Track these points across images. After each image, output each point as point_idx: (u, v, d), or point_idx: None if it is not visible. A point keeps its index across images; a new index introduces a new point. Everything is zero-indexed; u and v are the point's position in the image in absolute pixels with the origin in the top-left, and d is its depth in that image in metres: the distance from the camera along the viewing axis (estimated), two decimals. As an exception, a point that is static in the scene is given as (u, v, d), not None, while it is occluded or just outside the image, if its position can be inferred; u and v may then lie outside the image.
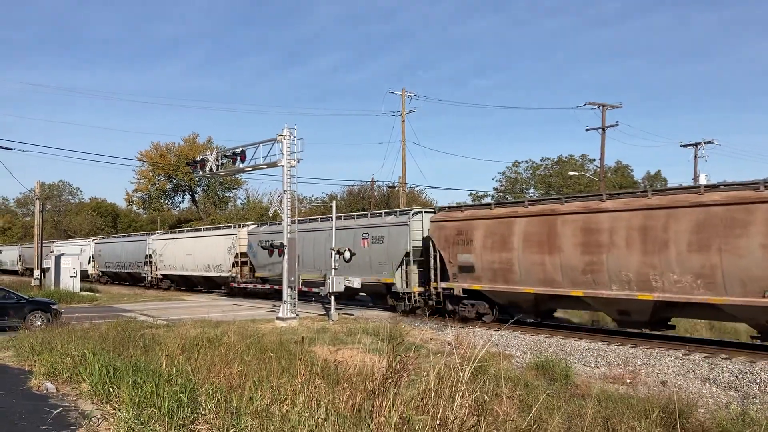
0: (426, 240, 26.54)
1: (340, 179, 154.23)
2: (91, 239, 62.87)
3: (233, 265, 39.46)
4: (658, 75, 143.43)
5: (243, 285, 38.85)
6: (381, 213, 30.98)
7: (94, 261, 59.56)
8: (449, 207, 28.00)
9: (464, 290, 24.02)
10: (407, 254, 26.74)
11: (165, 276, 47.59)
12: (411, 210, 28.46)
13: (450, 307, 24.63)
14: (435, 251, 25.23)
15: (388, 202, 58.47)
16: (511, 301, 23.15)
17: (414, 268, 26.56)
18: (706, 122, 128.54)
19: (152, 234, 52.44)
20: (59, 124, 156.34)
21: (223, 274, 40.41)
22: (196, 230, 48.58)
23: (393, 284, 27.36)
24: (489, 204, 24.60)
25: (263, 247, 27.80)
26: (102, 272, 58.55)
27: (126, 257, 53.41)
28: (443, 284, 24.72)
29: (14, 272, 74.09)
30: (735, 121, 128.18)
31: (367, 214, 31.94)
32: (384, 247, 28.22)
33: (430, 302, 25.67)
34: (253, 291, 38.66)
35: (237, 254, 39.09)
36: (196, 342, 14.55)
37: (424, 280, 26.31)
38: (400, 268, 27.07)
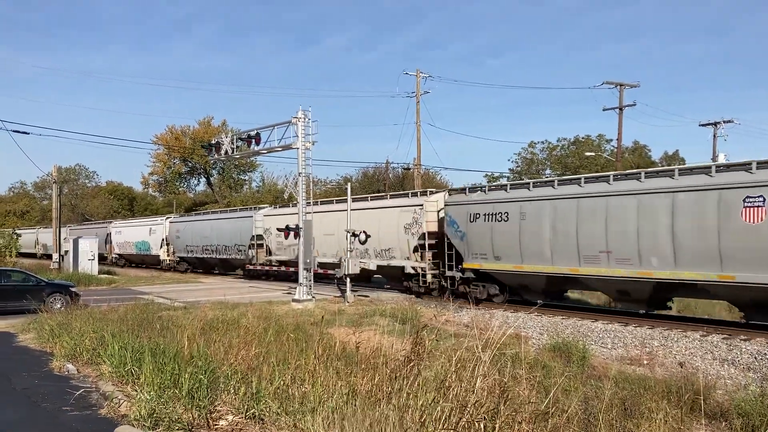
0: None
1: (354, 161, 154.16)
2: (164, 218, 54.16)
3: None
4: (676, 53, 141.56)
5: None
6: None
7: (168, 244, 51.28)
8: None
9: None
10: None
11: (281, 262, 36.80)
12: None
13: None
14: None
15: (402, 183, 58.40)
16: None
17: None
18: (724, 100, 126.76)
19: (260, 208, 41.67)
20: (74, 107, 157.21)
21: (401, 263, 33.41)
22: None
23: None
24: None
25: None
26: (181, 258, 49.35)
27: (219, 239, 43.22)
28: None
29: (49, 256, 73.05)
30: (754, 99, 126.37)
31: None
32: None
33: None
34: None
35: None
36: (214, 324, 14.68)
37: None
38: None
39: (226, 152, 27.80)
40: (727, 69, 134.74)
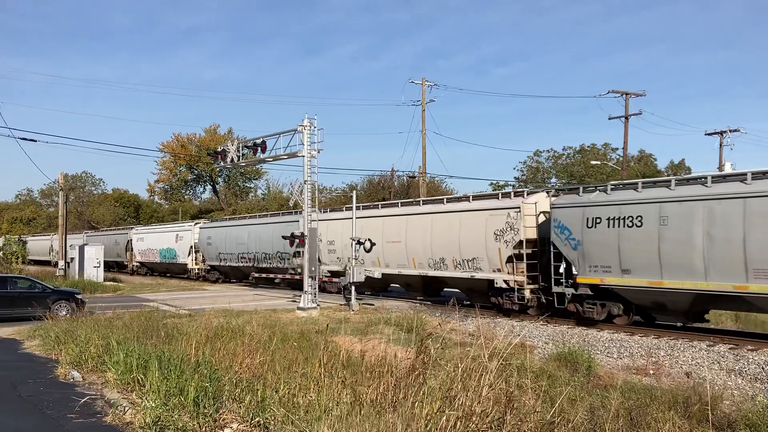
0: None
1: (360, 169, 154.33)
2: (192, 223, 50.31)
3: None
4: (682, 62, 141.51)
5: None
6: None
7: (197, 252, 47.35)
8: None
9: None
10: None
11: (333, 273, 33.00)
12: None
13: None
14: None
15: (408, 191, 58.40)
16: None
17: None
18: (730, 110, 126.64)
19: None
20: (81, 115, 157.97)
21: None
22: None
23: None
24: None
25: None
26: (212, 267, 45.66)
27: (259, 246, 39.10)
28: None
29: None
30: (760, 108, 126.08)
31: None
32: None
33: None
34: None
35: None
36: (219, 332, 14.67)
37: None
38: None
39: (232, 160, 27.85)
40: (734, 79, 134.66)
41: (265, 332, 13.99)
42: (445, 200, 27.89)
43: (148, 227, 60.01)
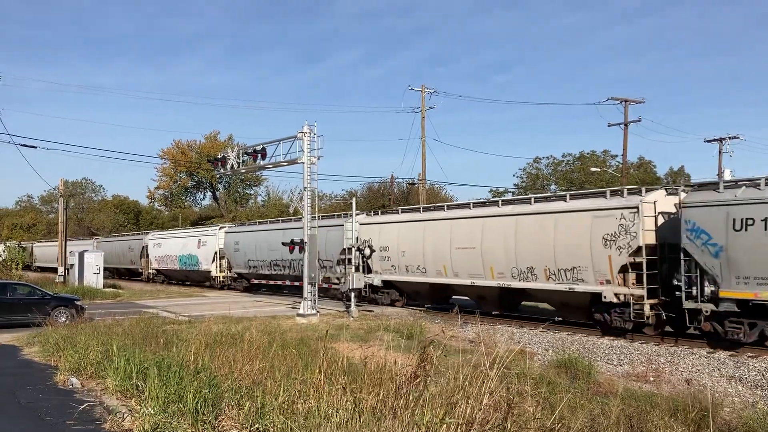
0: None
1: (359, 176, 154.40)
2: (216, 227, 46.64)
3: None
4: (681, 70, 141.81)
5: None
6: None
7: (221, 258, 43.76)
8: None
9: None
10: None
11: (388, 283, 29.30)
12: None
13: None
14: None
15: (407, 198, 58.46)
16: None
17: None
18: (729, 117, 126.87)
19: (358, 214, 31.54)
20: (82, 122, 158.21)
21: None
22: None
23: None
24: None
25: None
26: (239, 275, 42.19)
27: (296, 252, 32.19)
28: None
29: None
30: (760, 115, 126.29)
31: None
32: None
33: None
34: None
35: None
36: (218, 338, 14.65)
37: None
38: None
39: (232, 167, 27.88)
40: (733, 86, 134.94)
41: (264, 339, 13.97)
42: (532, 199, 23.68)
43: (167, 232, 56.07)
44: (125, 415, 9.09)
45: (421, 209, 28.43)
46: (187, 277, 49.33)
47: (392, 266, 28.25)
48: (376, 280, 28.89)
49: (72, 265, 44.08)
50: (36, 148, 36.05)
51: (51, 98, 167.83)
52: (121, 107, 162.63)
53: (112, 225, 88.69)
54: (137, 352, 12.20)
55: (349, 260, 28.21)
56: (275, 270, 36.99)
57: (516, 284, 22.93)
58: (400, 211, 29.66)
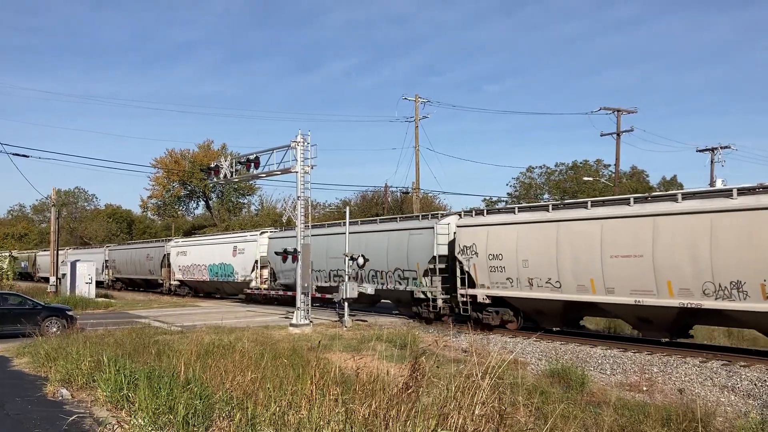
0: None
1: (353, 185, 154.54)
2: (256, 232, 41.00)
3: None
4: (673, 80, 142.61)
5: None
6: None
7: (263, 268, 38.36)
8: None
9: None
10: None
11: (498, 300, 23.30)
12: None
13: None
14: None
15: (401, 207, 58.47)
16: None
17: None
18: (721, 126, 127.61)
19: (445, 214, 27.70)
20: (75, 131, 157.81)
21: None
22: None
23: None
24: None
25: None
26: (286, 287, 34.46)
27: (369, 262, 27.34)
28: None
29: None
30: (751, 125, 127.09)
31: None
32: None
33: None
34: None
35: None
36: (210, 348, 14.57)
37: None
38: None
39: (225, 176, 27.84)
40: (724, 96, 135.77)
41: (256, 349, 13.90)
42: (735, 192, 17.09)
43: (194, 239, 50.37)
44: (115, 426, 9.00)
45: (550, 207, 21.86)
46: (219, 289, 43.82)
47: (507, 279, 22.27)
48: (481, 296, 23.19)
49: (64, 275, 43.84)
50: (28, 157, 35.92)
51: (43, 107, 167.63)
52: (114, 116, 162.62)
53: (104, 234, 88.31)
54: (128, 362, 12.13)
55: (440, 270, 24.90)
56: (337, 281, 30.09)
57: (710, 304, 17.25)
58: (517, 209, 23.50)
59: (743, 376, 15.57)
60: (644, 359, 17.85)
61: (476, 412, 6.17)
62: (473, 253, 23.36)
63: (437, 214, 27.36)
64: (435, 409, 6.88)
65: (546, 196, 71.81)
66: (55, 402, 11.54)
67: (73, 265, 42.94)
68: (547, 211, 21.75)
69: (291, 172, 25.54)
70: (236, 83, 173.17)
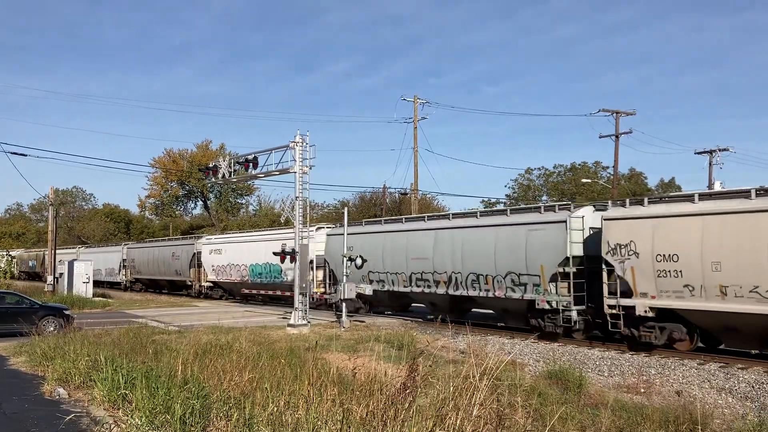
0: None
1: (351, 185, 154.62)
2: (312, 227, 32.40)
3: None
4: (672, 82, 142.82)
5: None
6: None
7: (317, 268, 32.54)
8: None
9: None
10: None
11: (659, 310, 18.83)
12: None
13: None
14: None
15: (399, 208, 58.46)
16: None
17: None
18: (719, 129, 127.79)
19: (579, 206, 22.65)
20: (73, 130, 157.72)
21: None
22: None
23: None
24: None
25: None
26: (378, 293, 28.69)
27: (469, 264, 23.98)
28: None
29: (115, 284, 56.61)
30: (749, 128, 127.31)
31: None
32: None
33: None
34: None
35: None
36: (208, 348, 14.55)
37: None
38: None
39: (224, 176, 27.80)
40: (722, 99, 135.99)
41: (254, 349, 13.89)
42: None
43: (231, 235, 44.94)
44: (112, 426, 8.97)
45: (753, 193, 16.75)
46: (261, 292, 38.09)
47: (685, 286, 17.62)
48: (641, 308, 18.52)
49: (61, 274, 43.78)
50: (26, 156, 35.97)
51: (41, 106, 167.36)
52: (112, 116, 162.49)
53: (102, 234, 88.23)
54: (125, 362, 12.10)
55: (574, 274, 20.39)
56: (420, 286, 26.02)
57: None
58: (698, 196, 18.07)
59: (741, 379, 15.57)
60: (642, 361, 17.85)
61: (474, 413, 6.16)
62: (630, 253, 18.72)
63: (568, 204, 22.26)
64: (433, 409, 6.87)
65: (544, 197, 71.90)
66: (52, 401, 11.51)
67: (71, 264, 42.89)
68: (749, 198, 16.74)
69: (289, 172, 25.52)
70: (235, 83, 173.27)
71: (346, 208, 33.04)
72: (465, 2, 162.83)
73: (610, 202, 21.45)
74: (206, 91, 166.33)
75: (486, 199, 68.83)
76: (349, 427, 6.97)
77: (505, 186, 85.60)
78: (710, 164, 46.56)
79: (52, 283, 44.73)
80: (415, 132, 44.08)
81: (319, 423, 7.22)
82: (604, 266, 19.37)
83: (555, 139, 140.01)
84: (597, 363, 18.23)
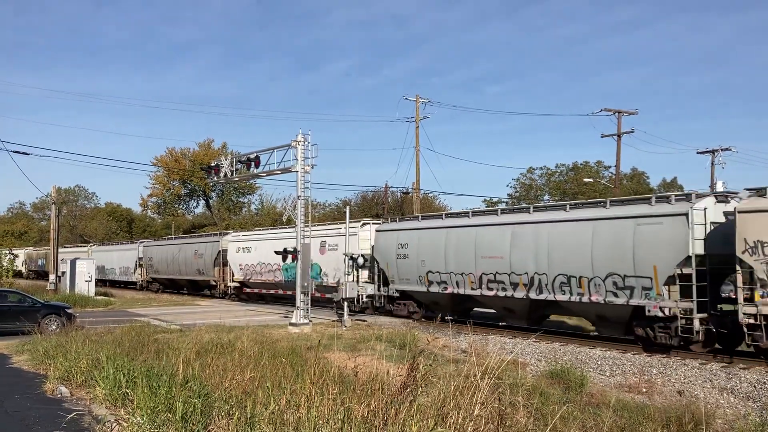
0: None
1: (353, 185, 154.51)
2: (357, 222, 31.26)
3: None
4: (674, 81, 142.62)
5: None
6: None
7: (360, 268, 28.74)
8: None
9: None
10: None
11: None
12: None
13: None
14: None
15: (401, 207, 58.47)
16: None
17: None
18: (721, 129, 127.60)
19: (700, 197, 18.54)
20: (75, 129, 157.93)
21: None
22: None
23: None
24: None
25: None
26: (401, 292, 27.64)
27: (550, 263, 21.10)
28: None
29: (131, 284, 54.44)
30: (751, 128, 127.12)
31: None
32: None
33: None
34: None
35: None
36: (209, 347, 14.56)
37: None
38: None
39: (226, 175, 27.82)
40: (725, 98, 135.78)
41: (255, 348, 13.89)
42: None
43: (262, 231, 41.58)
44: (113, 424, 8.99)
45: None
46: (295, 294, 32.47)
47: None
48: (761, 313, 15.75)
49: (63, 273, 43.82)
50: (28, 154, 35.99)
51: (44, 105, 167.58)
52: (114, 115, 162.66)
53: (104, 233, 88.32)
54: (127, 360, 12.12)
55: (692, 276, 17.33)
56: (493, 289, 23.04)
57: None
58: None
59: (743, 379, 15.55)
60: (643, 361, 17.83)
61: (475, 412, 6.16)
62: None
63: (689, 194, 18.69)
64: (434, 408, 6.87)
65: (546, 197, 71.85)
66: (54, 399, 11.54)
67: (73, 263, 42.93)
68: None
69: (291, 171, 25.52)
70: (237, 82, 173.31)
71: (348, 207, 33.05)
72: (467, 1, 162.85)
73: (743, 189, 18.05)
74: (208, 89, 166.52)
75: (488, 199, 68.81)
76: (350, 426, 6.97)
77: (507, 185, 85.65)
78: (712, 164, 46.49)
79: (54, 281, 44.79)
80: (417, 131, 44.08)
81: (320, 422, 7.22)
82: (738, 267, 16.36)
83: (557, 138, 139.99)
84: (598, 362, 18.22)
